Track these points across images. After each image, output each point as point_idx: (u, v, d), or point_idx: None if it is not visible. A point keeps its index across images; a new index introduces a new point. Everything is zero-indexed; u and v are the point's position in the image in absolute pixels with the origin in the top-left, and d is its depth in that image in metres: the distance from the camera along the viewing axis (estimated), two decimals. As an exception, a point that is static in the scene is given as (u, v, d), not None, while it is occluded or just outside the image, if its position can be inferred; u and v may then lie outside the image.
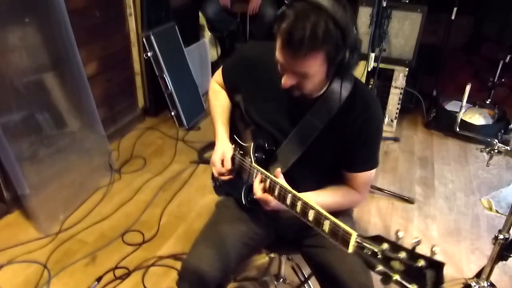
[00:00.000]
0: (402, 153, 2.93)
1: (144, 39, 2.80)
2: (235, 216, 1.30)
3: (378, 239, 0.82)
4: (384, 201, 2.38)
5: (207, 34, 3.74)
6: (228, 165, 1.24)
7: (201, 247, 1.22)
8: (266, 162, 1.21)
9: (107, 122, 2.68)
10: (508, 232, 1.39)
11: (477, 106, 3.24)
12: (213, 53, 3.83)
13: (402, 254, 0.77)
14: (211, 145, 1.46)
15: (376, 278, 0.87)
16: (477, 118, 3.10)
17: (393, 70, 3.04)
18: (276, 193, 1.08)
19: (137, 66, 2.99)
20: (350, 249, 0.87)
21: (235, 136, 1.34)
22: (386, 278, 0.78)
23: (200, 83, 3.29)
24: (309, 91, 1.09)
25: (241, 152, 1.27)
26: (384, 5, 2.40)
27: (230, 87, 1.39)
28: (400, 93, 3.11)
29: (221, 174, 1.26)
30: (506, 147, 1.31)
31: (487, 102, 3.30)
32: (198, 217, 2.18)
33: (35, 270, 1.82)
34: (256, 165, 1.18)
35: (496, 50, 3.52)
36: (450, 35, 3.67)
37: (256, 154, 1.21)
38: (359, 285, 1.11)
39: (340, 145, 1.15)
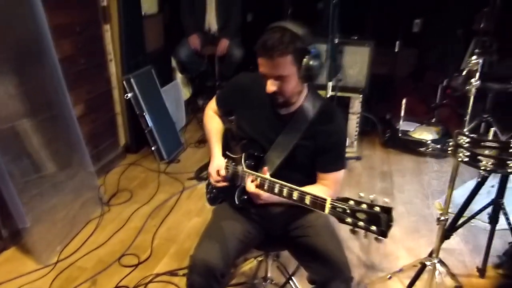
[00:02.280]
0: (364, 169, 3.27)
1: (124, 82, 3.06)
2: (231, 217, 1.56)
3: (345, 200, 1.11)
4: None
5: (179, 75, 4.05)
6: (223, 173, 1.51)
7: (205, 243, 1.46)
8: (256, 167, 1.48)
9: (92, 160, 2.85)
10: (447, 214, 1.71)
11: (424, 125, 3.69)
12: (186, 92, 4.13)
13: (364, 206, 1.06)
14: (205, 166, 1.73)
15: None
16: (426, 135, 3.53)
17: (349, 98, 3.43)
18: (266, 187, 1.36)
19: (118, 107, 3.22)
20: (327, 210, 1.17)
21: (227, 152, 1.61)
22: (354, 226, 1.09)
23: (176, 119, 3.56)
24: (289, 95, 1.39)
25: (233, 163, 1.54)
26: (336, 41, 2.81)
27: (224, 111, 1.69)
28: (358, 118, 3.49)
29: (217, 181, 1.53)
30: (437, 146, 1.66)
31: (433, 121, 3.76)
32: (188, 238, 2.38)
33: (40, 297, 1.96)
34: (247, 170, 1.46)
35: (436, 76, 4.04)
36: (398, 66, 4.18)
37: (247, 161, 1.49)
38: (336, 259, 1.39)
39: (314, 150, 1.45)
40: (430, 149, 1.90)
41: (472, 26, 4.07)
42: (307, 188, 1.48)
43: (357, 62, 3.34)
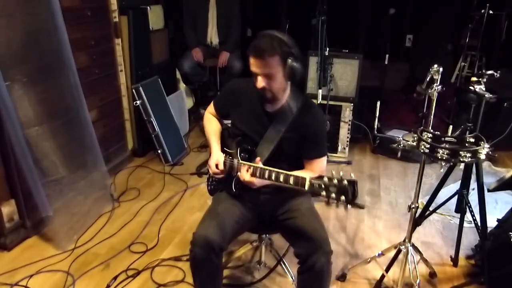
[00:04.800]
0: (353, 172, 3.40)
1: (134, 90, 3.35)
2: (228, 203, 1.82)
3: (320, 177, 1.38)
4: (340, 207, 2.93)
5: (182, 86, 4.34)
6: (221, 167, 1.78)
7: (206, 222, 1.72)
8: (249, 159, 1.74)
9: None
10: (417, 202, 1.97)
11: (412, 132, 3.94)
12: (189, 102, 4.42)
13: (335, 181, 1.34)
14: (204, 163, 2.01)
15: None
16: (406, 146, 3.78)
17: (341, 106, 3.71)
18: (257, 174, 1.63)
19: (127, 114, 3.51)
20: (306, 187, 1.43)
21: (225, 148, 1.88)
22: (328, 198, 1.36)
23: (180, 126, 3.83)
24: (276, 91, 1.66)
25: (230, 157, 1.81)
26: (327, 54, 3.10)
27: (221, 114, 1.97)
28: (349, 125, 3.76)
29: (216, 174, 1.79)
30: (407, 141, 1.93)
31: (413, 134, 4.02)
32: (190, 230, 2.59)
33: (60, 277, 2.20)
34: (242, 162, 1.72)
35: (425, 88, 4.31)
36: (390, 79, 4.45)
37: (241, 154, 1.76)
38: (318, 236, 1.64)
39: (298, 141, 1.72)
40: (401, 145, 2.18)
41: (460, 42, 4.38)
42: (295, 172, 1.75)
43: (347, 73, 3.63)
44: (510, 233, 1.36)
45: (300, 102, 1.74)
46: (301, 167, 1.79)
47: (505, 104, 3.69)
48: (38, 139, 2.46)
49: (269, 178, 1.59)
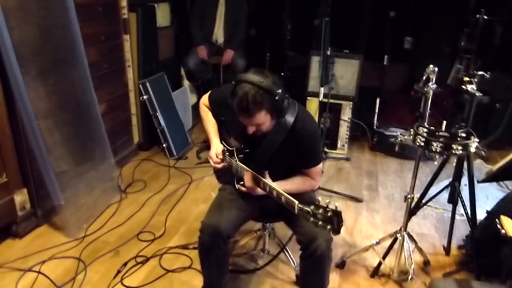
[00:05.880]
0: (352, 169, 3.65)
1: (140, 85, 3.45)
2: (234, 194, 1.93)
3: (308, 204, 1.48)
4: (340, 201, 3.04)
5: (186, 83, 4.45)
6: (220, 156, 1.89)
7: (213, 211, 1.83)
8: (246, 161, 1.85)
9: (110, 154, 3.23)
10: (412, 193, 2.08)
11: (408, 130, 4.06)
12: (192, 98, 4.52)
13: (320, 209, 1.44)
14: (205, 147, 2.13)
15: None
16: (403, 141, 3.90)
17: (341, 104, 3.82)
18: (261, 185, 1.73)
19: (133, 109, 3.60)
20: (296, 211, 1.53)
21: (222, 142, 1.99)
22: (316, 225, 1.45)
23: (183, 121, 3.94)
24: (266, 131, 1.73)
25: (227, 153, 1.92)
26: (329, 53, 3.21)
27: (214, 111, 2.06)
28: (348, 123, 3.88)
29: (217, 163, 1.91)
30: (404, 136, 2.05)
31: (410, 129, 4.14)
32: (196, 220, 2.74)
33: (72, 263, 2.30)
34: (240, 164, 1.84)
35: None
36: (390, 79, 4.55)
37: (239, 156, 1.87)
38: (321, 230, 1.72)
39: (294, 151, 1.79)
40: (398, 139, 2.31)
41: (457, 45, 4.50)
42: (295, 179, 1.85)
43: (348, 73, 3.75)
44: (497, 219, 1.46)
45: (295, 114, 1.76)
46: (299, 171, 1.88)
47: (497, 105, 3.82)
48: (49, 130, 2.55)
49: (270, 193, 1.69)
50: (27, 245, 2.43)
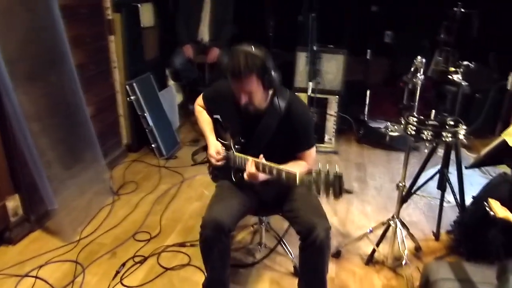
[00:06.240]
0: (341, 161, 3.72)
1: (127, 86, 3.44)
2: (232, 189, 1.96)
3: (310, 172, 1.53)
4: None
5: (171, 83, 4.43)
6: (222, 153, 1.92)
7: (213, 206, 1.86)
8: (243, 151, 1.88)
9: (99, 156, 3.21)
10: (404, 181, 2.15)
11: (393, 123, 4.16)
12: (178, 97, 4.51)
13: (322, 176, 1.48)
14: (200, 149, 2.15)
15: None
16: (393, 131, 4.00)
17: (327, 99, 3.88)
18: (260, 168, 1.75)
19: (121, 110, 3.58)
20: (298, 182, 1.56)
21: (219, 139, 2.02)
22: (318, 191, 1.49)
23: (171, 120, 3.93)
24: (258, 103, 1.78)
25: (224, 148, 1.95)
26: (315, 49, 3.26)
27: (209, 108, 2.09)
28: (335, 117, 3.95)
29: (218, 161, 1.93)
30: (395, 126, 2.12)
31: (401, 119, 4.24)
32: (190, 218, 2.76)
33: (69, 266, 2.29)
34: (238, 154, 1.86)
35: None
36: (373, 73, 4.64)
37: (236, 147, 1.90)
38: (318, 213, 1.81)
39: (288, 135, 1.85)
40: (389, 130, 2.38)
41: (436, 38, 4.62)
42: (289, 164, 1.89)
43: (333, 67, 3.81)
44: (485, 202, 1.53)
45: (287, 99, 1.84)
46: (294, 157, 1.93)
47: (477, 95, 3.96)
48: (39, 133, 2.52)
49: (270, 173, 1.71)
50: (22, 251, 2.41)
